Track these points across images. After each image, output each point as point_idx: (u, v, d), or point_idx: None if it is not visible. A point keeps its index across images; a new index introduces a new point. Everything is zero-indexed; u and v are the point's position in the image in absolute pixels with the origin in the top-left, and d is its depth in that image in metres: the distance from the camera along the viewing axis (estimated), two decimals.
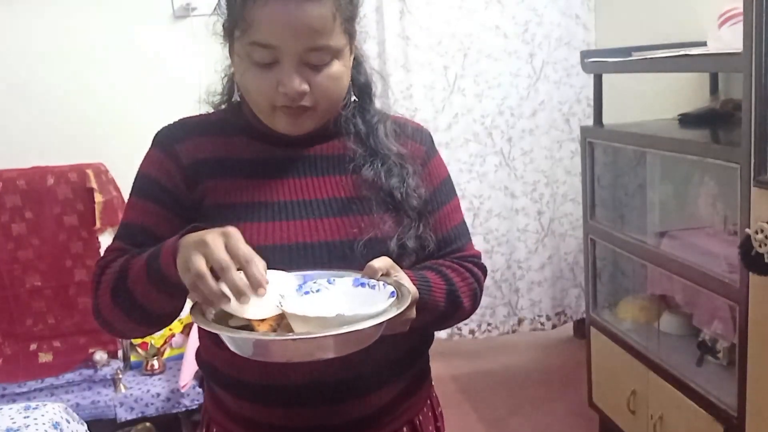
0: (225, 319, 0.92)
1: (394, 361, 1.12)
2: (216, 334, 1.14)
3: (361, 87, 1.14)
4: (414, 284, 0.99)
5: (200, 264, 0.84)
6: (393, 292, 0.91)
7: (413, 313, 0.96)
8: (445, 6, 3.10)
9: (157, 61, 2.94)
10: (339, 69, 1.02)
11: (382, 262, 0.95)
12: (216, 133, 1.11)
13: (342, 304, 0.92)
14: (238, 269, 0.84)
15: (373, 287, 0.93)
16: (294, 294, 0.93)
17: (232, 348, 0.90)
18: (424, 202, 1.11)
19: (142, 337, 1.12)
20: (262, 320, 0.90)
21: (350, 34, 1.05)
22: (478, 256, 1.18)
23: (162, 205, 1.07)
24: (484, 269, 1.18)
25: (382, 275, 0.94)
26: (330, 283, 0.95)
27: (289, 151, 1.09)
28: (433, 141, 1.20)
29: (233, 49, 1.05)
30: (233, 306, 0.86)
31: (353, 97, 1.12)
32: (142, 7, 2.93)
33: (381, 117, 1.14)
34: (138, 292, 0.97)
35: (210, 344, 1.14)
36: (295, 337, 0.84)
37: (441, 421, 1.26)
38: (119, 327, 1.04)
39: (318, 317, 0.85)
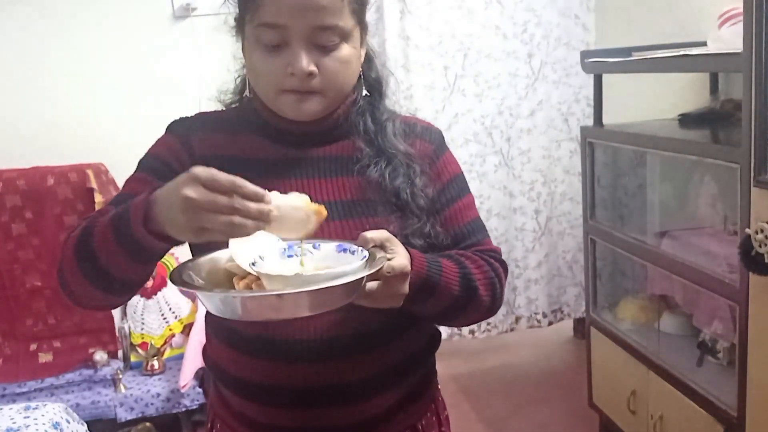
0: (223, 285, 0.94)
1: (399, 363, 1.11)
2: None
3: (372, 83, 1.13)
4: (423, 264, 0.98)
5: (212, 196, 0.79)
6: (366, 256, 0.90)
7: (405, 288, 0.94)
8: (445, 6, 3.10)
9: (157, 61, 2.94)
10: (348, 52, 1.02)
11: (376, 234, 0.93)
12: (228, 130, 1.10)
13: (317, 265, 0.92)
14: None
15: (353, 253, 0.93)
16: (276, 256, 0.94)
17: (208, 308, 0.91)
18: (431, 200, 1.10)
19: (100, 309, 1.05)
20: (241, 279, 0.91)
21: (360, 20, 1.05)
22: (497, 251, 1.15)
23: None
24: (504, 265, 1.13)
25: (374, 246, 0.92)
26: (315, 248, 0.96)
27: (299, 151, 1.09)
28: (443, 139, 1.18)
29: (245, 39, 1.05)
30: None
31: (364, 92, 1.11)
32: (142, 7, 2.93)
33: (390, 116, 1.13)
34: (102, 253, 0.90)
35: (216, 343, 1.15)
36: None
37: (446, 426, 1.24)
38: (77, 290, 0.97)
39: (279, 275, 0.87)
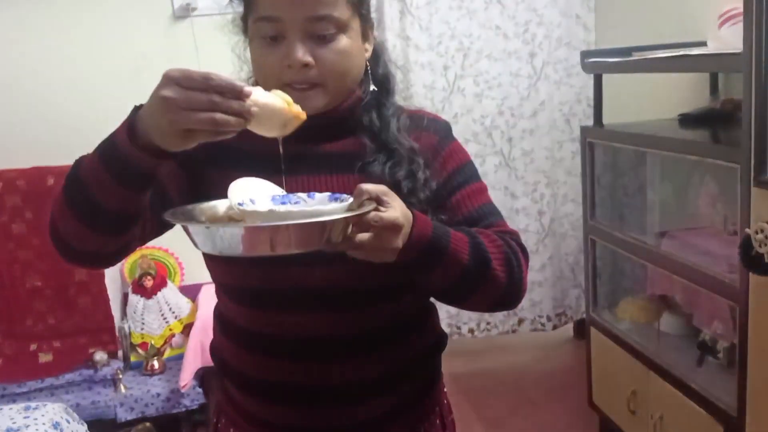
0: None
1: (403, 365, 1.11)
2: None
3: (379, 80, 1.13)
4: (428, 227, 0.94)
5: (189, 93, 0.80)
6: (349, 202, 0.90)
7: (397, 242, 0.90)
8: (445, 6, 3.11)
9: (157, 61, 2.94)
10: (346, 44, 1.02)
11: (372, 186, 0.90)
12: None
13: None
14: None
15: (342, 201, 0.93)
16: (267, 201, 0.96)
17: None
18: (435, 192, 1.08)
19: (90, 260, 1.02)
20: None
21: (359, 12, 1.05)
22: (515, 233, 1.09)
23: (174, 157, 1.04)
24: (523, 248, 1.08)
25: (368, 199, 0.89)
26: (310, 197, 0.97)
27: (305, 147, 1.08)
28: (449, 130, 1.16)
29: (249, 36, 1.07)
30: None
31: (372, 87, 1.10)
32: (142, 7, 2.93)
33: (395, 111, 1.12)
34: (90, 182, 0.89)
35: (221, 337, 1.16)
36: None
37: (451, 429, 1.23)
38: (65, 231, 0.95)
39: (253, 211, 0.88)
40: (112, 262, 1.03)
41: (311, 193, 0.97)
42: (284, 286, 1.04)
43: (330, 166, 1.08)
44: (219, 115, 0.81)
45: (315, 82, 1.01)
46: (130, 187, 0.89)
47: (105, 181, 0.88)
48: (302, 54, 0.99)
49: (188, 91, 0.80)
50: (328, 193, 0.96)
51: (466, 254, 0.98)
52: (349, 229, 0.87)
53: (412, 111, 1.16)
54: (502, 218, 1.12)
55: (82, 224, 0.93)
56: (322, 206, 0.90)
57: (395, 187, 1.03)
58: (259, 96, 0.85)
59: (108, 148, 0.88)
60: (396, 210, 0.90)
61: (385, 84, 1.14)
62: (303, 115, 0.92)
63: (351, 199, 0.90)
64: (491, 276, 1.00)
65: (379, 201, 0.89)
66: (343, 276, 1.02)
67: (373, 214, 0.87)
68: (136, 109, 0.87)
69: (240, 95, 0.82)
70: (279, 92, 0.91)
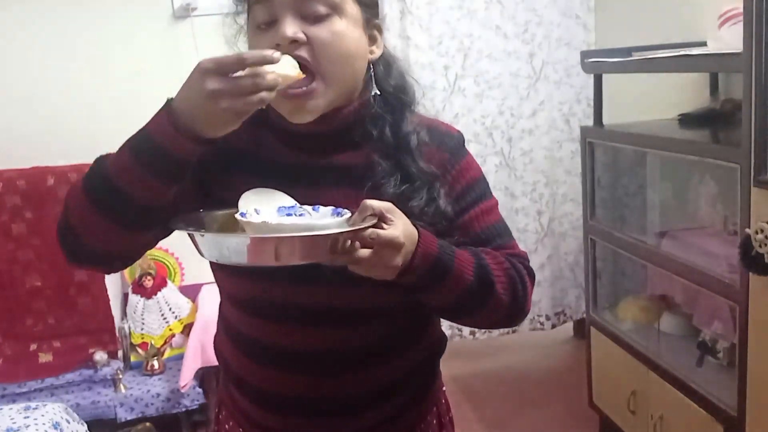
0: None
1: (402, 373, 1.10)
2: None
3: (391, 92, 1.07)
4: (433, 246, 0.93)
5: (234, 80, 0.83)
6: (348, 217, 0.91)
7: (396, 260, 0.89)
8: (445, 6, 3.10)
9: (157, 61, 2.94)
10: (341, 26, 0.98)
11: (377, 203, 0.89)
12: (249, 122, 0.98)
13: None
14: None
15: (342, 215, 0.93)
16: (272, 212, 0.96)
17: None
18: (449, 219, 1.04)
19: (112, 254, 0.99)
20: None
21: (360, 1, 1.01)
22: (522, 255, 1.08)
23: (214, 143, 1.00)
24: (530, 270, 1.07)
25: (371, 215, 0.88)
26: (314, 210, 0.97)
27: (311, 157, 1.05)
28: (461, 144, 1.11)
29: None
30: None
31: (374, 92, 1.05)
32: (142, 7, 2.93)
33: (414, 128, 1.05)
34: (120, 175, 0.89)
35: (223, 335, 1.16)
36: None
37: (450, 428, 1.22)
38: (83, 230, 0.95)
39: (247, 221, 0.90)
40: (119, 266, 1.04)
41: (316, 206, 0.97)
42: (287, 300, 1.03)
43: (338, 179, 1.04)
44: (264, 93, 0.83)
45: (306, 61, 0.96)
46: (165, 178, 0.89)
47: (137, 174, 0.88)
48: (292, 30, 0.95)
49: (232, 79, 0.82)
50: (332, 208, 0.96)
51: (470, 276, 0.97)
52: (348, 245, 0.87)
53: (427, 122, 1.10)
54: (512, 238, 1.10)
55: (107, 219, 0.92)
56: (318, 220, 0.91)
57: (409, 216, 0.97)
58: (276, 67, 0.88)
59: (142, 140, 0.89)
60: (397, 228, 0.89)
61: (401, 97, 1.08)
62: (301, 76, 0.94)
63: (349, 214, 0.91)
64: (494, 299, 1.00)
65: (382, 218, 0.89)
66: (344, 296, 1.01)
67: (370, 230, 0.87)
68: (168, 102, 0.88)
69: (272, 61, 0.84)
70: (287, 57, 0.92)
